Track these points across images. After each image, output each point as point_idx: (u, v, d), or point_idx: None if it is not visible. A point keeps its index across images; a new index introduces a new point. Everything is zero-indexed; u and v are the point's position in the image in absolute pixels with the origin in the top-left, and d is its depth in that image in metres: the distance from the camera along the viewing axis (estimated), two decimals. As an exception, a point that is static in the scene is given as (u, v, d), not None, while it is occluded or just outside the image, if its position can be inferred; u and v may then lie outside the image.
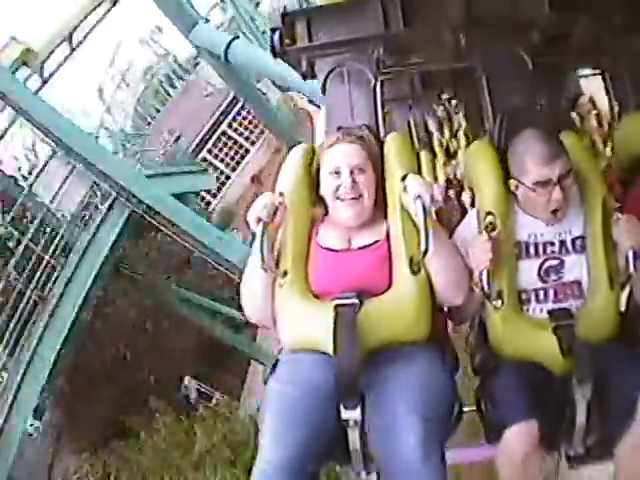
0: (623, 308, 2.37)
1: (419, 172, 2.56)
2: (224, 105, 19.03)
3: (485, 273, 2.29)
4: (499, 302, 2.34)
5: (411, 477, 2.00)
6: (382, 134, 2.70)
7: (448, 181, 3.15)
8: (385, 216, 2.41)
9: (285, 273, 2.27)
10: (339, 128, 2.60)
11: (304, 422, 2.11)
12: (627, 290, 2.41)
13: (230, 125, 19.70)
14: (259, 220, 2.20)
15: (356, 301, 2.19)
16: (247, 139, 19.98)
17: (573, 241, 2.45)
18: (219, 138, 19.71)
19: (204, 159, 19.24)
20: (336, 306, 2.18)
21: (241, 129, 19.80)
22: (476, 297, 2.38)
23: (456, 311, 2.43)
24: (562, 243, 2.45)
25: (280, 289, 2.28)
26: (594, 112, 2.92)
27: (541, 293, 2.42)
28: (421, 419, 2.06)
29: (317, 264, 2.34)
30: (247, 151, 20.01)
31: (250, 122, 19.17)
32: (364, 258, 2.33)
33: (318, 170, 2.46)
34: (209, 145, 19.72)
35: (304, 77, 2.91)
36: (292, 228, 2.34)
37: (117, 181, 8.11)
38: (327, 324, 2.14)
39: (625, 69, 2.93)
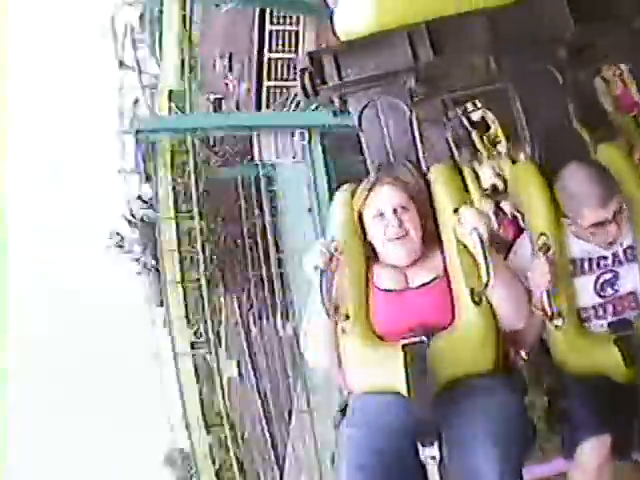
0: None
1: (466, 190, 2.57)
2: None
3: (546, 295, 2.32)
4: (560, 321, 2.37)
5: None
6: (423, 163, 2.73)
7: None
8: (437, 249, 2.45)
9: (347, 317, 2.30)
10: (379, 167, 2.64)
11: (382, 465, 2.14)
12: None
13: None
14: (316, 268, 2.23)
15: (424, 339, 2.23)
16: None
17: (625, 251, 2.48)
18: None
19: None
20: (404, 346, 2.21)
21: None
22: (536, 319, 2.41)
23: (517, 334, 2.45)
24: (614, 255, 2.48)
25: (344, 334, 2.31)
26: (617, 72, 2.94)
27: (600, 310, 2.47)
28: (501, 450, 2.10)
29: (378, 306, 2.37)
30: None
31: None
32: (425, 296, 2.36)
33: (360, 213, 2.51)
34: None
35: (335, 113, 2.92)
36: (349, 272, 2.36)
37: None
38: (397, 365, 2.17)
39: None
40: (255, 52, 12.94)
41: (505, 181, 2.74)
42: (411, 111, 2.75)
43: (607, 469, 2.30)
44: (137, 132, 9.70)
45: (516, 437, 2.19)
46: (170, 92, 13.69)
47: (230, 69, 14.35)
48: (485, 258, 2.20)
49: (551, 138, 2.69)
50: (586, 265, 2.49)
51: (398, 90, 2.76)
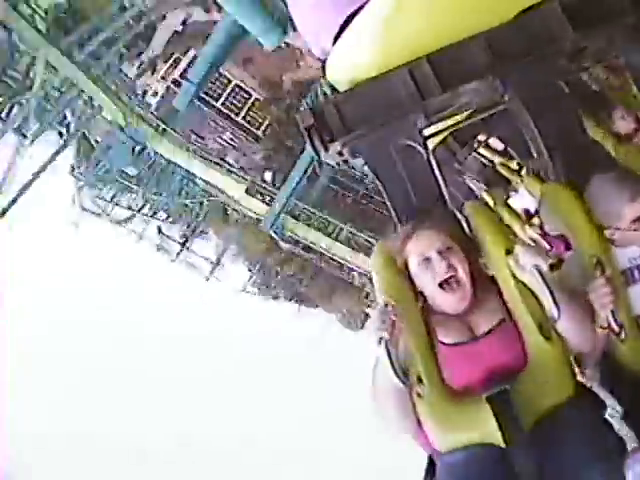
0: None
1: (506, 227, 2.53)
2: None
3: (611, 314, 2.33)
4: (622, 334, 2.36)
5: None
6: (449, 204, 2.66)
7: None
8: (493, 292, 2.41)
9: (420, 380, 2.24)
10: (406, 219, 2.56)
11: None
12: None
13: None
14: (381, 340, 2.17)
15: (507, 387, 2.18)
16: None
17: None
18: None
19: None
20: (488, 398, 2.17)
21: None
22: (600, 337, 2.41)
23: (582, 354, 2.46)
24: None
25: (420, 398, 2.25)
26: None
27: None
28: (606, 467, 2.12)
29: (449, 362, 2.32)
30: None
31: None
32: (495, 342, 2.32)
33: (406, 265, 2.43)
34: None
35: (345, 161, 2.80)
36: (409, 333, 2.29)
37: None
38: (486, 417, 2.13)
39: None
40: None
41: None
42: (426, 151, 2.64)
43: None
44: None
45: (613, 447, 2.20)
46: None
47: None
48: (551, 293, 2.20)
49: (570, 152, 2.65)
50: (636, 273, 2.50)
51: (409, 132, 2.65)
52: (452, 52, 2.62)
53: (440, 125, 2.73)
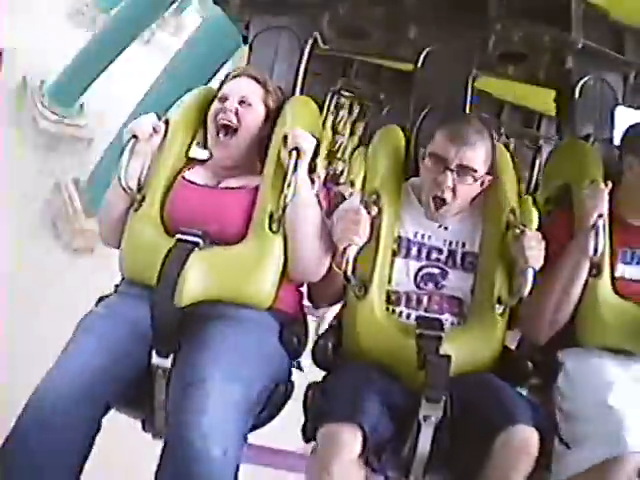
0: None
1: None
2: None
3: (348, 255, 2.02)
4: (358, 290, 2.14)
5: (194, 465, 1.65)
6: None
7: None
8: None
9: (143, 198, 2.09)
10: None
11: (108, 350, 1.87)
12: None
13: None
14: (134, 137, 2.07)
15: (198, 240, 1.96)
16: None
17: None
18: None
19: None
20: (178, 240, 1.95)
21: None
22: (333, 276, 2.09)
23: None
24: None
25: (134, 214, 2.09)
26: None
27: None
28: (221, 383, 1.75)
29: (175, 195, 2.14)
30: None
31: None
32: (223, 199, 2.12)
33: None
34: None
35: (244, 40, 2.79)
36: (165, 157, 2.16)
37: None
38: (162, 257, 1.91)
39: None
40: None
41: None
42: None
43: (349, 467, 1.81)
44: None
45: (255, 383, 1.87)
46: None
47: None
48: (294, 178, 1.99)
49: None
50: (413, 250, 2.24)
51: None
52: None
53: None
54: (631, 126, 2.30)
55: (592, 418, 1.91)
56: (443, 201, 2.10)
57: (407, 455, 1.87)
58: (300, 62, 2.58)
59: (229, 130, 2.16)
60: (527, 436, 1.78)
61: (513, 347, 2.20)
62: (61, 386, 1.75)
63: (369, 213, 2.04)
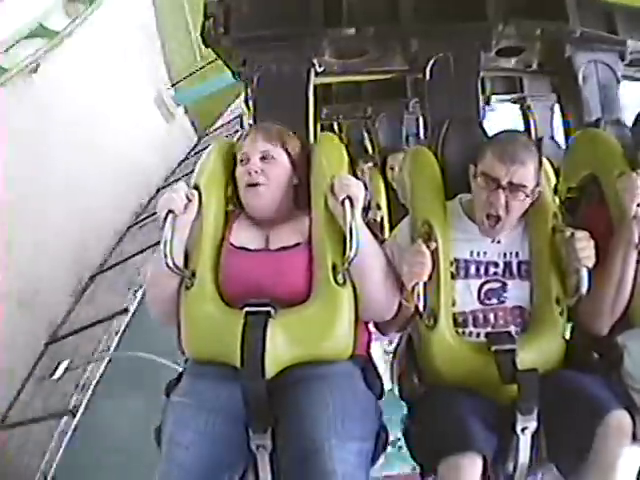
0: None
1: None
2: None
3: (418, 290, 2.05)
4: (430, 320, 2.17)
5: None
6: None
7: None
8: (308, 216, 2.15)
9: (193, 274, 1.99)
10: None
11: (212, 442, 1.82)
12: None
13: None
14: (170, 212, 1.96)
15: (269, 309, 1.89)
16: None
17: None
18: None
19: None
20: (247, 313, 1.88)
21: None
22: (404, 312, 2.12)
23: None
24: None
25: (187, 292, 1.99)
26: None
27: None
28: (339, 445, 1.73)
29: (229, 265, 2.04)
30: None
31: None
32: (282, 262, 2.04)
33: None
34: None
35: (234, 75, 2.72)
36: (205, 225, 2.07)
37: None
38: (236, 333, 1.85)
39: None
40: None
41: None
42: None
43: None
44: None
45: (362, 435, 1.85)
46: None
47: None
48: (352, 228, 1.92)
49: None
50: (472, 269, 2.28)
51: (301, 58, 2.57)
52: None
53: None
54: None
55: None
56: (498, 218, 2.15)
57: (511, 467, 1.96)
58: (307, 95, 2.54)
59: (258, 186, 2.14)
60: (623, 420, 1.86)
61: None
62: None
63: (428, 247, 2.06)
